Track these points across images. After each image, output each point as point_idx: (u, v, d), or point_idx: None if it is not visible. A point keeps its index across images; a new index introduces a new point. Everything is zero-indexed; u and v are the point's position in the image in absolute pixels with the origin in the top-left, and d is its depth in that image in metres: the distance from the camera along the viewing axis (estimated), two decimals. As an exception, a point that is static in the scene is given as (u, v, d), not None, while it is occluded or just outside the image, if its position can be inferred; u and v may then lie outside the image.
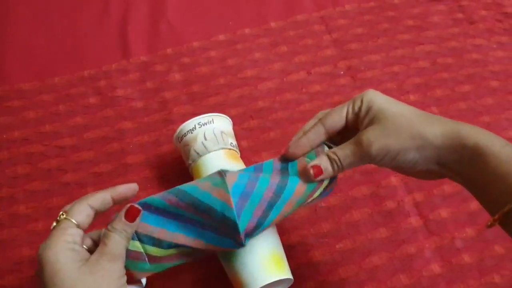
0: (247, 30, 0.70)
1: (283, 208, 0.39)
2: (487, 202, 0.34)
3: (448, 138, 0.34)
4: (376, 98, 0.38)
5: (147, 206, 0.38)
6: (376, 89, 0.63)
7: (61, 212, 0.35)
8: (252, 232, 0.38)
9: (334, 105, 0.63)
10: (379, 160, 0.36)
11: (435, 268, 0.51)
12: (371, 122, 0.37)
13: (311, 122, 0.41)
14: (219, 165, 0.48)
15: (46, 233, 0.53)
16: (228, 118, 0.55)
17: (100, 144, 0.60)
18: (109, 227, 0.35)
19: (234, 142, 0.53)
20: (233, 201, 0.36)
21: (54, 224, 0.35)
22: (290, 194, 0.38)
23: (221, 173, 0.38)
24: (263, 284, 0.42)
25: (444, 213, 0.55)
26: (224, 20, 0.71)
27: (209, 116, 0.52)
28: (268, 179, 0.39)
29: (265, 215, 0.38)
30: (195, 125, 0.51)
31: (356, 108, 0.38)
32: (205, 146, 0.50)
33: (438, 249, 0.52)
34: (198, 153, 0.50)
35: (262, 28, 0.70)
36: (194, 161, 0.50)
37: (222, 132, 0.52)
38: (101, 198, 0.37)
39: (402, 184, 0.57)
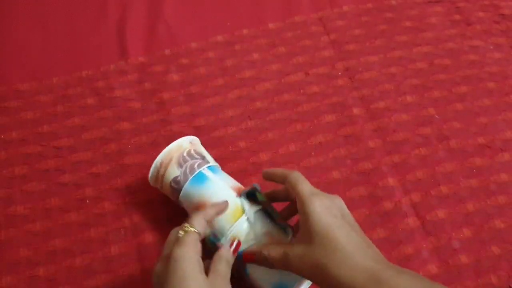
0: (245, 31, 0.70)
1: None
2: None
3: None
4: (315, 213, 0.39)
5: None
6: (374, 90, 0.64)
7: (185, 224, 0.40)
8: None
9: (332, 106, 0.64)
10: (299, 272, 0.39)
11: (432, 268, 0.51)
12: (305, 234, 0.39)
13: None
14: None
15: (44, 234, 0.53)
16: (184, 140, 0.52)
17: (98, 145, 0.59)
18: (218, 254, 0.40)
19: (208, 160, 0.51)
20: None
21: (182, 233, 0.39)
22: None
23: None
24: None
25: (441, 213, 0.55)
26: (222, 21, 0.71)
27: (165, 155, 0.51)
28: None
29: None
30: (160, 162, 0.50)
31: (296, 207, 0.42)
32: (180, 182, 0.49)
33: (435, 250, 0.53)
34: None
35: (260, 29, 0.70)
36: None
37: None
38: (211, 214, 0.43)
39: (399, 185, 0.57)
